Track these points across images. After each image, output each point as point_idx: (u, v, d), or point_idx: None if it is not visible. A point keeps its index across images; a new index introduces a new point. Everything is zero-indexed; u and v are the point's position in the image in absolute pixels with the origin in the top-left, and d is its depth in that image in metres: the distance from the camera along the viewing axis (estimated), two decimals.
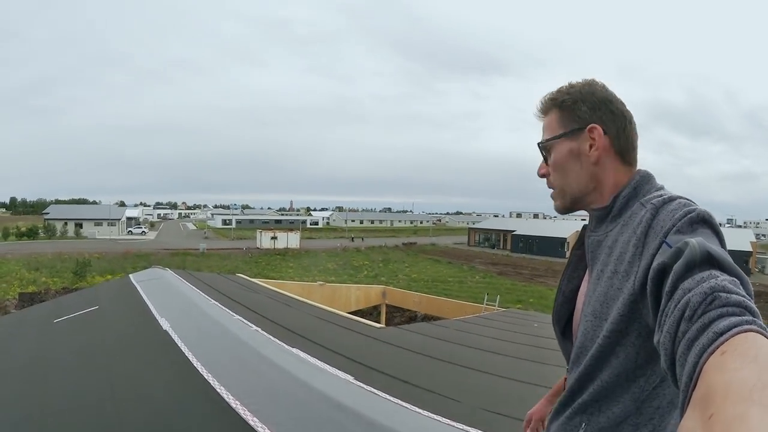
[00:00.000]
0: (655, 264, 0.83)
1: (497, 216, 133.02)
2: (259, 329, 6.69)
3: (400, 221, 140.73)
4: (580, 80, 1.22)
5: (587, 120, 1.16)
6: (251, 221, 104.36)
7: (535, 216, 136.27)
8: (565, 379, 1.27)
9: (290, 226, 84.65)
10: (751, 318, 0.63)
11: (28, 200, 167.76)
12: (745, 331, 0.60)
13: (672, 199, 0.99)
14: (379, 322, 17.67)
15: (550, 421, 1.23)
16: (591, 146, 1.15)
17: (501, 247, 67.28)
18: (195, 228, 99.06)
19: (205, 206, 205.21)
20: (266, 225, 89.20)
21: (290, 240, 56.08)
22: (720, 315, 0.64)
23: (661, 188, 1.11)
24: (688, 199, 0.99)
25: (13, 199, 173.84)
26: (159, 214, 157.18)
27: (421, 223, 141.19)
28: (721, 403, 0.49)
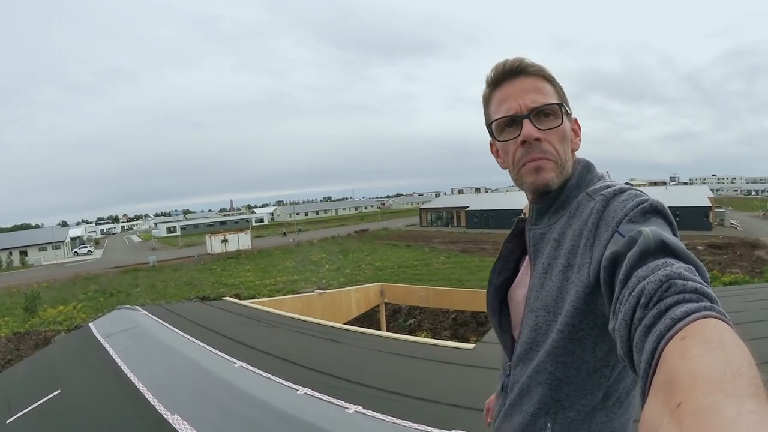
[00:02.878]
0: (607, 253, 0.83)
1: (439, 194, 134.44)
2: (272, 376, 4.87)
3: (344, 209, 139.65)
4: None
5: (570, 109, 1.13)
6: (195, 226, 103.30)
7: (477, 191, 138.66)
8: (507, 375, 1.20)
9: (236, 227, 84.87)
10: (709, 304, 0.63)
11: None
12: (705, 317, 0.60)
13: (623, 190, 0.97)
14: (379, 328, 15.48)
15: (500, 423, 1.18)
16: (575, 134, 1.15)
17: (455, 224, 66.43)
18: (140, 240, 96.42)
19: (146, 216, 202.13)
20: (212, 228, 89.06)
21: (241, 241, 54.39)
22: (677, 302, 0.65)
23: (602, 177, 1.11)
24: (638, 190, 0.97)
25: None
26: (102, 230, 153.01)
27: (366, 208, 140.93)
28: (689, 391, 0.48)
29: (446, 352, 5.77)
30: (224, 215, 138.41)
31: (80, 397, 5.52)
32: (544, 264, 1.06)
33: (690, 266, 0.71)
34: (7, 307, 30.26)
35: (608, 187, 1.00)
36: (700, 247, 32.18)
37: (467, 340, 13.16)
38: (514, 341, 1.17)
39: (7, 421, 5.19)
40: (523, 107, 1.08)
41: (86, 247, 75.57)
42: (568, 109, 1.12)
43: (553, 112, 1.09)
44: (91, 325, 8.76)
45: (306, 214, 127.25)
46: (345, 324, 9.09)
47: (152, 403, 4.48)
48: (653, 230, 0.77)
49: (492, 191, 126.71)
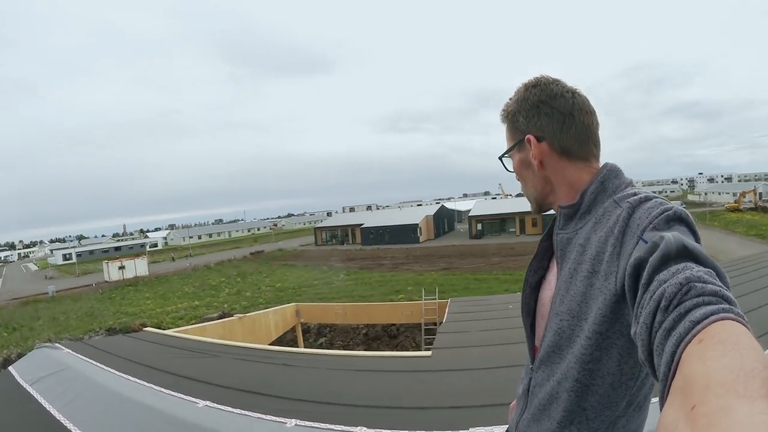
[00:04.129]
0: (631, 260, 0.84)
1: (331, 213, 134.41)
2: (248, 413, 4.40)
3: (237, 231, 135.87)
4: (527, 81, 1.21)
5: (524, 130, 1.19)
6: (91, 252, 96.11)
7: (368, 208, 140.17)
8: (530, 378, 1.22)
9: (131, 252, 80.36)
10: (728, 306, 0.64)
11: None
12: (722, 319, 0.61)
13: (649, 198, 0.99)
14: (297, 346, 15.25)
15: (527, 426, 1.18)
16: (535, 156, 1.17)
17: (351, 242, 66.72)
18: (38, 268, 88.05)
19: (41, 242, 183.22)
20: (107, 254, 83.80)
21: (138, 267, 51.43)
22: (696, 304, 0.66)
23: (630, 183, 1.13)
24: (663, 199, 0.98)
25: None
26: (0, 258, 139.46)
27: (258, 230, 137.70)
28: (703, 393, 0.49)
29: (408, 361, 5.88)
30: (118, 240, 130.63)
31: None
32: (570, 269, 1.08)
33: (710, 270, 0.73)
34: None
35: (635, 194, 1.02)
36: None
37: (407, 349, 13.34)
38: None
39: None
40: None
41: None
42: (509, 151, 1.26)
43: (502, 162, 1.30)
44: (11, 369, 7.77)
45: (199, 237, 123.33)
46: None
47: None
48: (675, 235, 0.79)
49: (384, 207, 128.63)
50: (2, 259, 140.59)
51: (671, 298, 0.68)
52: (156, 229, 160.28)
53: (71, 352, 7.82)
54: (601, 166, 1.16)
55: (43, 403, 5.56)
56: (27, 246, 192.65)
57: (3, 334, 27.83)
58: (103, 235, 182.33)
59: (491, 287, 26.97)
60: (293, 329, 16.58)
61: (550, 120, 1.16)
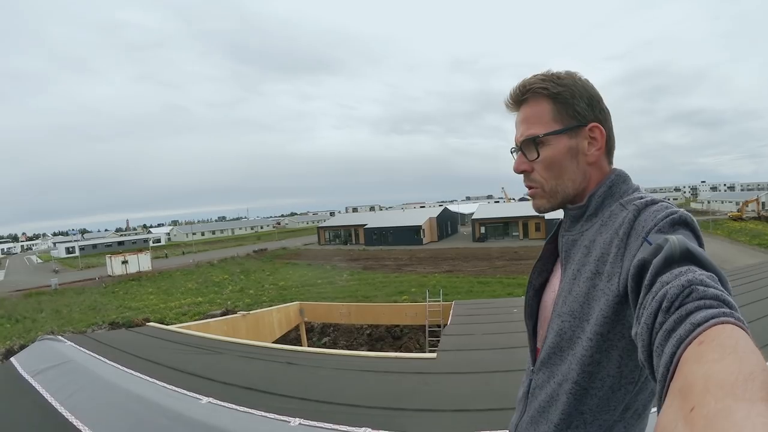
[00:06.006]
0: (635, 261, 0.85)
1: (334, 213, 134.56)
2: (253, 411, 4.36)
3: (240, 228, 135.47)
4: (563, 72, 1.15)
5: (587, 117, 1.13)
6: (94, 246, 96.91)
7: (371, 209, 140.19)
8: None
9: (134, 247, 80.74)
10: (728, 310, 0.65)
11: None
12: (723, 322, 0.62)
13: (654, 201, 1.00)
14: (300, 345, 15.21)
15: (526, 428, 1.17)
16: (590, 145, 1.13)
17: (354, 242, 66.76)
18: (41, 261, 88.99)
19: (44, 235, 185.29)
20: (110, 249, 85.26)
21: (141, 262, 51.77)
22: (697, 307, 0.66)
23: (638, 188, 1.12)
24: (669, 203, 0.98)
25: None
26: (2, 249, 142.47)
27: (261, 228, 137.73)
28: (702, 396, 0.49)
29: (413, 363, 5.84)
30: (121, 235, 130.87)
31: None
32: (574, 270, 1.09)
33: (712, 274, 0.74)
34: None
35: (641, 198, 1.03)
36: None
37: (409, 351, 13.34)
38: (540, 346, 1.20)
39: None
40: (516, 141, 1.18)
41: None
42: (563, 127, 1.13)
43: (535, 143, 1.15)
44: (13, 360, 7.74)
45: (202, 234, 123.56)
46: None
47: None
48: (679, 238, 0.80)
49: (387, 208, 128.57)
50: (5, 251, 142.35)
51: (673, 300, 0.69)
52: (159, 225, 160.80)
53: (74, 345, 7.79)
54: (610, 170, 1.17)
55: (44, 395, 5.54)
56: (30, 238, 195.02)
57: (5, 326, 28.10)
58: (106, 230, 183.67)
59: (495, 290, 27.01)
60: (297, 328, 16.56)
61: (607, 116, 1.15)
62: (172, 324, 13.11)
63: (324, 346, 17.61)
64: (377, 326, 18.01)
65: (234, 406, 4.41)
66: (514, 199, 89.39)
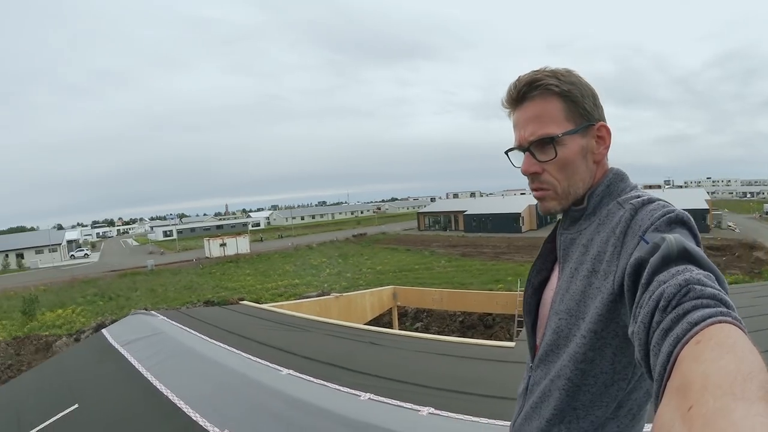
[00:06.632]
0: (632, 260, 0.85)
1: (434, 199, 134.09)
2: (326, 383, 4.63)
3: (340, 213, 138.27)
4: (562, 69, 1.12)
5: (593, 115, 1.12)
6: (192, 230, 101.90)
7: (472, 195, 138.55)
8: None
9: (233, 231, 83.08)
10: (725, 310, 0.65)
11: None
12: (720, 322, 0.62)
13: (651, 200, 1.00)
14: (392, 328, 15.51)
15: (521, 425, 1.18)
16: (598, 144, 1.13)
17: (453, 228, 66.35)
18: (137, 244, 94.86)
19: (142, 219, 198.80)
20: (209, 232, 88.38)
21: (240, 245, 53.86)
22: (694, 306, 0.66)
23: (635, 187, 1.12)
24: (666, 202, 0.99)
25: None
26: (98, 233, 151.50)
27: (362, 212, 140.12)
28: (700, 395, 0.49)
29: (490, 350, 5.83)
30: (220, 219, 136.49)
31: (104, 413, 5.03)
32: (572, 268, 1.09)
33: (709, 273, 0.74)
34: (4, 310, 29.84)
35: (638, 197, 1.03)
36: None
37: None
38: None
39: None
40: (523, 140, 1.12)
41: (83, 250, 74.81)
42: (577, 127, 1.10)
43: (550, 143, 1.09)
44: (104, 332, 8.38)
45: (302, 218, 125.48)
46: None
47: (194, 418, 4.09)
48: (676, 237, 0.80)
49: (487, 195, 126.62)
50: (101, 234, 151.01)
51: (670, 299, 0.69)
52: (259, 209, 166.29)
53: (166, 318, 8.38)
54: (608, 169, 1.16)
55: (132, 362, 6.12)
56: (126, 223, 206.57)
57: (98, 303, 30.43)
58: (204, 214, 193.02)
59: None
60: (390, 312, 16.86)
61: (604, 114, 1.15)
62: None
63: (416, 331, 17.76)
64: (470, 314, 17.90)
65: (311, 379, 4.69)
66: None
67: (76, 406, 5.14)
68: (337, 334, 7.45)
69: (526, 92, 1.11)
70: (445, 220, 69.15)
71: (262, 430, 3.80)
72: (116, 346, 7.03)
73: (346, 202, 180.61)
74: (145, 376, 5.47)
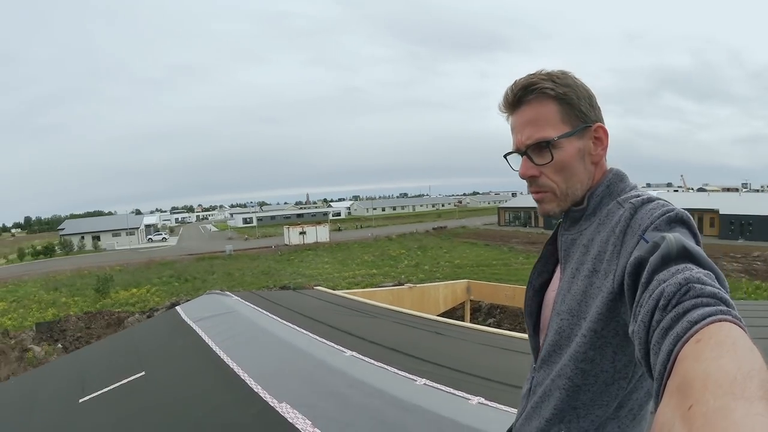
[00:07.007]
0: (632, 259, 0.86)
1: (516, 194, 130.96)
2: (387, 366, 4.87)
3: (421, 206, 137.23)
4: (557, 71, 1.14)
5: (591, 117, 1.13)
6: (272, 218, 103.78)
7: None
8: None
9: (313, 220, 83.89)
10: (725, 308, 0.65)
11: (42, 218, 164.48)
12: (720, 320, 0.62)
13: (651, 199, 1.01)
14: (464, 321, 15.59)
15: (522, 425, 1.19)
16: (595, 145, 1.14)
17: (533, 224, 64.63)
18: (216, 230, 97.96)
19: (221, 206, 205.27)
20: (289, 220, 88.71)
21: (319, 234, 54.87)
22: (694, 305, 0.66)
23: (635, 187, 1.13)
24: (666, 201, 0.99)
25: (27, 219, 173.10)
26: (177, 219, 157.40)
27: (443, 206, 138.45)
28: (700, 394, 0.49)
29: None
30: (301, 208, 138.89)
31: (169, 381, 5.32)
32: (573, 269, 1.09)
33: (709, 272, 0.74)
34: (77, 287, 31.28)
35: (638, 196, 1.03)
36: None
37: None
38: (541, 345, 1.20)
39: (80, 401, 5.03)
40: (521, 144, 1.14)
41: (161, 234, 77.60)
42: (573, 129, 1.11)
43: (546, 146, 1.10)
44: (178, 308, 8.85)
45: (383, 209, 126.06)
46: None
47: (255, 390, 4.31)
48: (676, 236, 0.80)
49: None
50: (179, 220, 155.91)
51: (670, 298, 0.70)
52: (340, 200, 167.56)
53: (239, 299, 8.81)
54: (607, 170, 1.17)
55: (203, 337, 6.58)
56: (206, 209, 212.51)
57: (174, 284, 31.63)
58: (285, 203, 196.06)
59: None
60: (463, 305, 16.87)
61: (601, 115, 1.16)
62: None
63: (489, 326, 17.62)
64: None
65: (372, 361, 4.96)
66: (692, 188, 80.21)
67: (143, 373, 5.57)
68: (406, 322, 7.65)
69: (522, 96, 1.13)
70: (525, 216, 67.47)
71: (319, 405, 4.00)
72: (189, 321, 7.55)
73: (427, 195, 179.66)
74: (213, 349, 5.90)
